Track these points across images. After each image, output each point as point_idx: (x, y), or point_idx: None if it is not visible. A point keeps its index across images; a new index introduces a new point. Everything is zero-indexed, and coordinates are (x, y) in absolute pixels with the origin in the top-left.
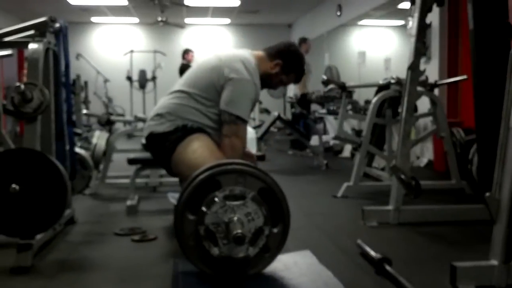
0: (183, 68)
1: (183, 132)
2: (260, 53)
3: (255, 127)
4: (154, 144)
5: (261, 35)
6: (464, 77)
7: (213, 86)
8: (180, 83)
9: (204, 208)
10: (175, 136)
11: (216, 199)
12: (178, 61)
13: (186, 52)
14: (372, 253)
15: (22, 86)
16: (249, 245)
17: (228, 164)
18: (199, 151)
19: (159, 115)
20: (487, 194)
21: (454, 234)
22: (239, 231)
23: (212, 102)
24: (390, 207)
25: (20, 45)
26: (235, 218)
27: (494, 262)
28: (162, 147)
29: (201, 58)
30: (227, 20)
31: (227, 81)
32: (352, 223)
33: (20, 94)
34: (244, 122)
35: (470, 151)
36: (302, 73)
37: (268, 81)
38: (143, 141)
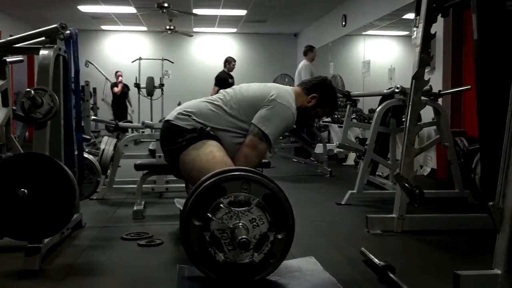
0: (221, 77)
1: (200, 134)
2: (297, 88)
3: None
4: (167, 132)
5: (267, 43)
6: (468, 87)
7: (256, 104)
8: (220, 96)
9: (209, 214)
10: (191, 136)
11: (222, 205)
12: (186, 68)
13: (228, 61)
14: (376, 260)
15: (32, 92)
16: (254, 251)
17: (233, 171)
18: (210, 155)
19: (186, 111)
20: (491, 203)
21: (457, 242)
22: (244, 236)
23: (245, 124)
24: (393, 215)
25: (31, 51)
26: (240, 224)
27: (498, 271)
28: (173, 140)
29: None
30: (234, 29)
31: (270, 101)
32: (356, 230)
33: (30, 100)
34: (268, 142)
35: (473, 160)
36: (336, 107)
37: (304, 114)
38: (151, 147)
